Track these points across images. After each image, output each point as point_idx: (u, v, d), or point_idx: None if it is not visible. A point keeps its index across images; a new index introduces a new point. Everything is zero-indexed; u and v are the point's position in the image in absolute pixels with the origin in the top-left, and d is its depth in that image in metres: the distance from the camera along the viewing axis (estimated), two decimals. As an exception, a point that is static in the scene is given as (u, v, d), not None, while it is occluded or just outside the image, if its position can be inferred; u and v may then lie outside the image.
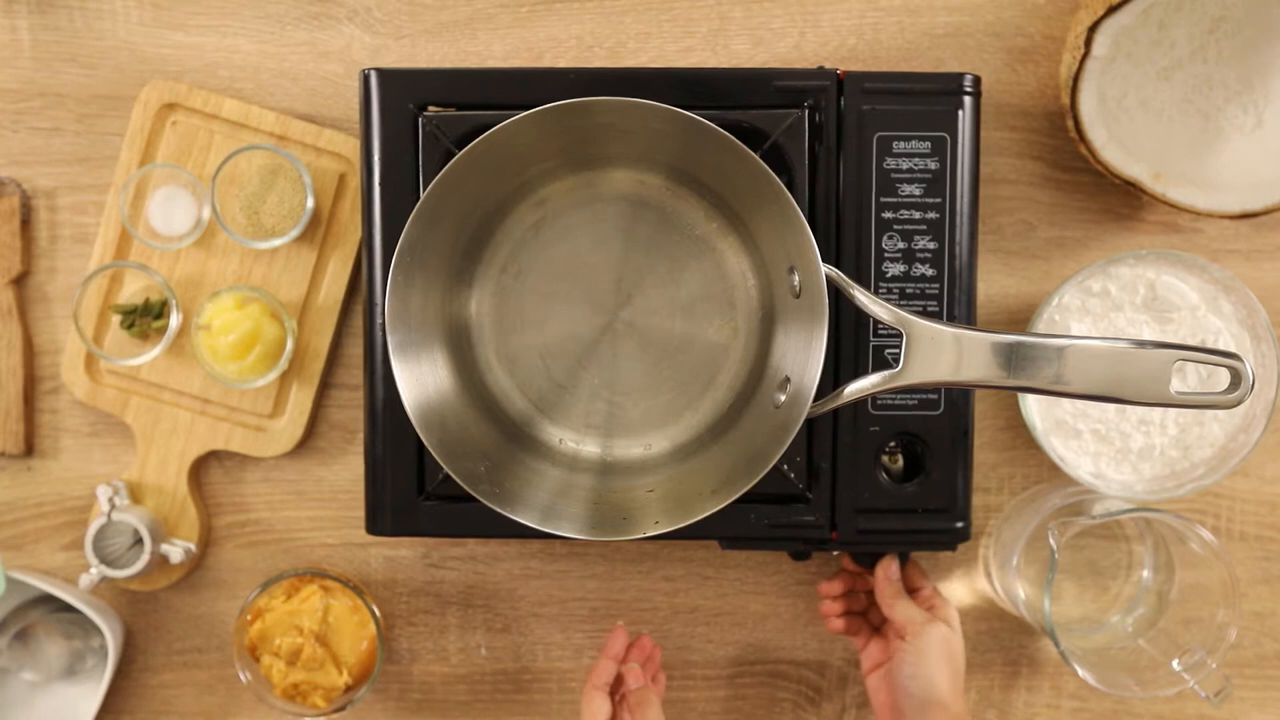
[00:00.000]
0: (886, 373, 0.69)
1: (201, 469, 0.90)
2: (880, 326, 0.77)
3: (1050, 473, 0.89)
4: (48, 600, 0.88)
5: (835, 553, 0.89)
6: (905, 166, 0.77)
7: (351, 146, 0.87)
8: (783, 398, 0.74)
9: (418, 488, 0.79)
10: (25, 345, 0.89)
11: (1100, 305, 0.85)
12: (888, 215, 0.77)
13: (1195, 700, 0.90)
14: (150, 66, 0.88)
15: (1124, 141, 0.84)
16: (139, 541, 0.86)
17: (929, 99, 0.77)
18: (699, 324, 0.78)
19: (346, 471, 0.90)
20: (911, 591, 0.84)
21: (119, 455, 0.90)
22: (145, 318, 0.87)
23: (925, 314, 0.76)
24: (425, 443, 0.72)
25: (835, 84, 0.77)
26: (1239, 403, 0.67)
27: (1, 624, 0.87)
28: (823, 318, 0.69)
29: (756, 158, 0.69)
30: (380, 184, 0.77)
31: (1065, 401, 0.85)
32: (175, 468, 0.88)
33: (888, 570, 0.83)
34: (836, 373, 0.78)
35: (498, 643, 0.91)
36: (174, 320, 0.86)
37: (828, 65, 0.82)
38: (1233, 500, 0.90)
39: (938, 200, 0.77)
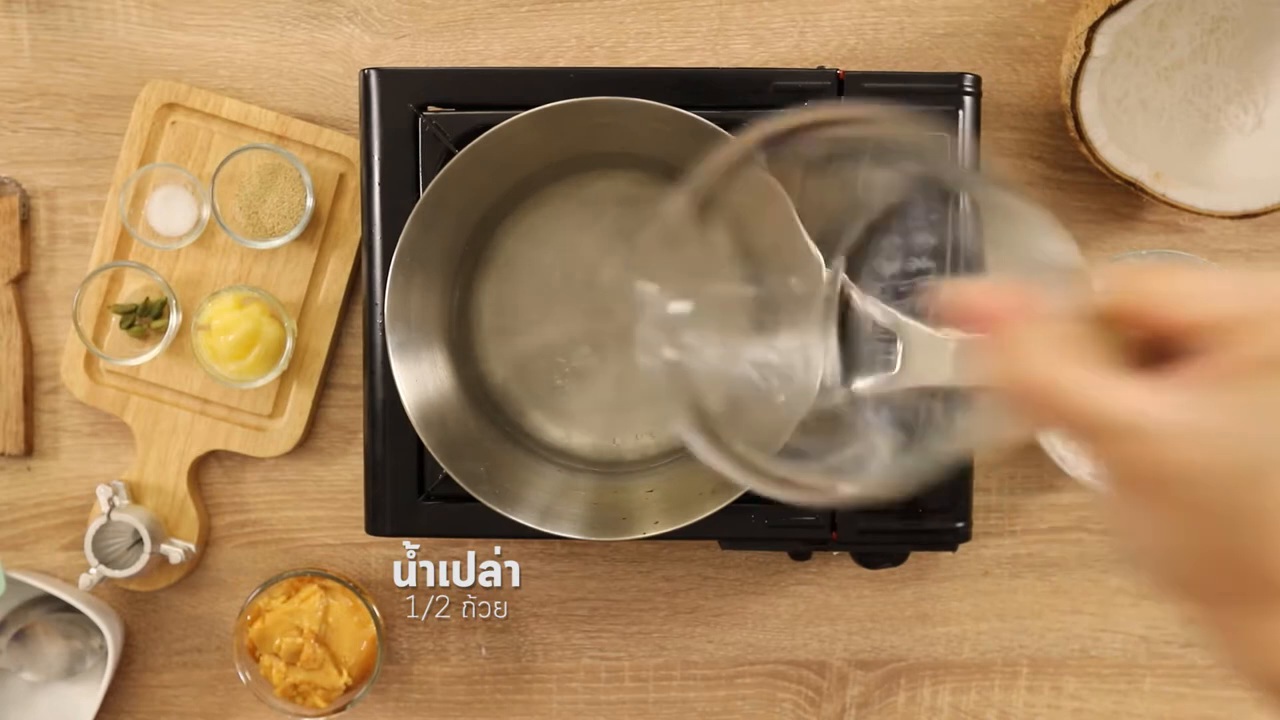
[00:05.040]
0: (886, 375, 0.69)
1: (201, 469, 0.90)
2: (879, 327, 0.77)
3: (1051, 473, 0.89)
4: (47, 600, 0.88)
5: (835, 553, 0.89)
6: (905, 166, 0.77)
7: (351, 146, 0.87)
8: (783, 398, 0.74)
9: (418, 488, 0.79)
10: (25, 345, 0.89)
11: (1100, 305, 0.85)
12: (888, 215, 0.77)
13: (1195, 700, 0.90)
14: (150, 66, 0.88)
15: (1124, 141, 0.84)
16: (139, 541, 0.86)
17: (929, 99, 0.77)
18: (699, 324, 0.78)
19: (346, 471, 0.90)
20: None
21: (119, 455, 0.90)
22: (145, 318, 0.87)
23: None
24: (425, 443, 0.72)
25: (835, 84, 0.76)
26: (1239, 403, 0.67)
27: (1, 624, 0.87)
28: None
29: (756, 158, 0.68)
30: (380, 184, 0.77)
31: (1065, 401, 0.85)
32: (175, 468, 0.88)
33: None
34: (836, 373, 0.77)
35: (498, 643, 0.91)
36: (174, 320, 0.86)
37: (828, 65, 0.82)
38: (1233, 500, 0.90)
39: (937, 200, 0.77)
